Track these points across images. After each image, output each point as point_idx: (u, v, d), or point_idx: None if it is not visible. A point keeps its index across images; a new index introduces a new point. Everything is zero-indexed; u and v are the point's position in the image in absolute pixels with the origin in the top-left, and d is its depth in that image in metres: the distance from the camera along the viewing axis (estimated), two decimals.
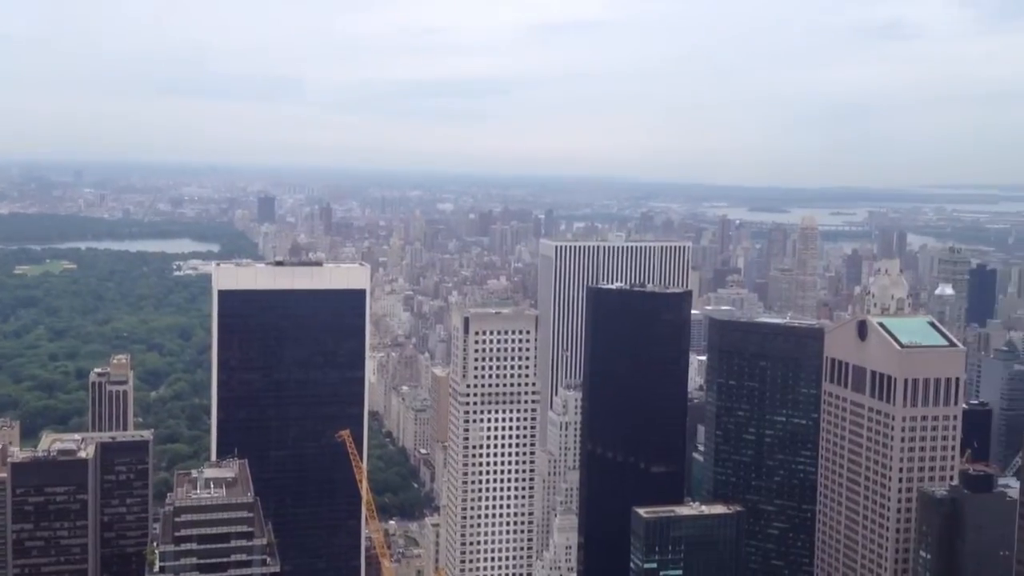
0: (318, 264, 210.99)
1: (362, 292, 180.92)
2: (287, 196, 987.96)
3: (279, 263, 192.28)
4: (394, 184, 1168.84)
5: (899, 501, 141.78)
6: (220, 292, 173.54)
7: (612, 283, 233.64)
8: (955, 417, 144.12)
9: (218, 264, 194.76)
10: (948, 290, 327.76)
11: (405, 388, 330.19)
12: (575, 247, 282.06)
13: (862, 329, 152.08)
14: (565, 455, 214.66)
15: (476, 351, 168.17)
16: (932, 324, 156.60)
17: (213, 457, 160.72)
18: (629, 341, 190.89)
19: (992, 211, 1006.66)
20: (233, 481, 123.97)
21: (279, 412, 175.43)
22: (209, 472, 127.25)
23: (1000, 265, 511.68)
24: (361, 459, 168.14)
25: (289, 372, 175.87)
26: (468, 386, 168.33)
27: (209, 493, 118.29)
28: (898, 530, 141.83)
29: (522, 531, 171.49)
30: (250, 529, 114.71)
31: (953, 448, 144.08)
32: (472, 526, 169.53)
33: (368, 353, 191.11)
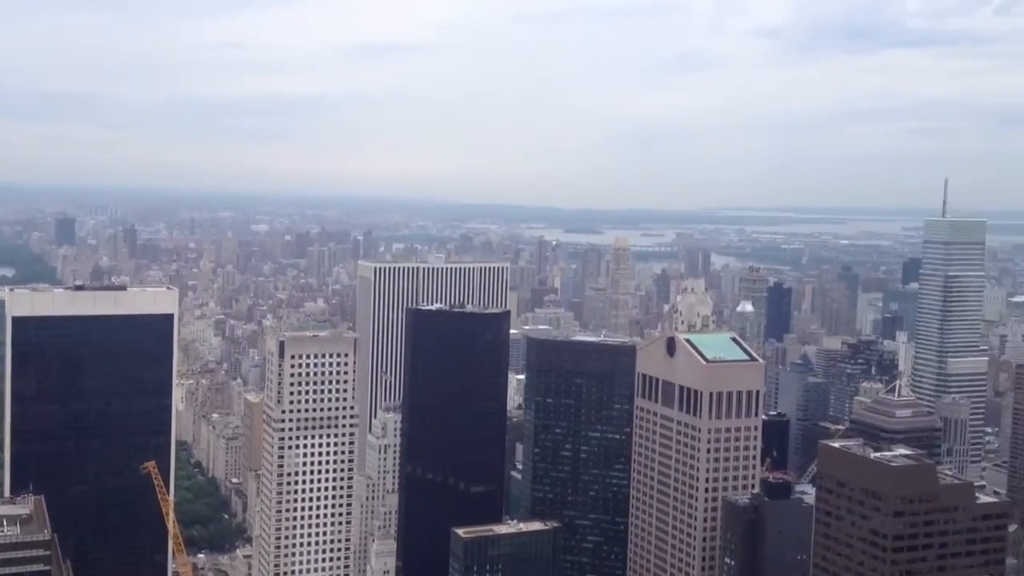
0: (122, 288, 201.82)
1: (169, 317, 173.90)
2: (88, 217, 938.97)
3: (79, 287, 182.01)
4: (205, 205, 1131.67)
5: (705, 510, 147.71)
6: (14, 319, 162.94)
7: (432, 304, 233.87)
8: (756, 428, 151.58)
9: (11, 289, 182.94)
10: (748, 307, 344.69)
11: (216, 416, 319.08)
12: (394, 268, 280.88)
13: (670, 345, 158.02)
14: (384, 478, 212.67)
15: (292, 376, 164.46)
16: (734, 340, 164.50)
17: (7, 494, 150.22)
18: (449, 362, 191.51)
19: (787, 232, 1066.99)
20: (28, 518, 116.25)
21: (79, 444, 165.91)
22: (2, 509, 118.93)
23: (795, 283, 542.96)
24: (168, 491, 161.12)
25: (90, 402, 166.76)
26: (283, 412, 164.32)
27: (2, 531, 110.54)
28: (704, 538, 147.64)
29: (338, 558, 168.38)
30: (47, 568, 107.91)
31: (754, 458, 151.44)
32: (287, 555, 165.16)
33: (176, 380, 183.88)
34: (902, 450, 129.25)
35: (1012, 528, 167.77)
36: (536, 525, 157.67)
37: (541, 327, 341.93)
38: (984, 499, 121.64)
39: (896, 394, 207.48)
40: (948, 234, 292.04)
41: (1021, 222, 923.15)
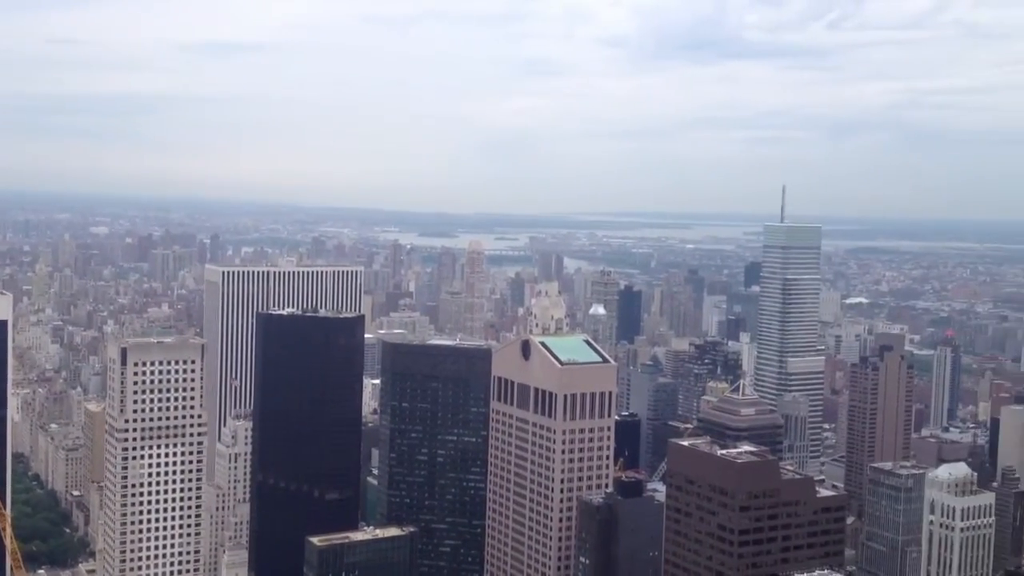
0: None
1: (3, 323, 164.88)
2: None
3: None
4: (40, 206, 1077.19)
5: (561, 511, 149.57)
6: None
7: (283, 309, 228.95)
8: (609, 428, 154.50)
9: None
10: (600, 310, 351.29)
11: (54, 426, 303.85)
12: (243, 272, 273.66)
13: (525, 349, 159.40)
14: (235, 488, 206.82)
15: (135, 383, 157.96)
16: (587, 342, 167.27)
17: None
18: (302, 367, 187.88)
19: (637, 236, 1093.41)
20: None
21: None
22: None
23: (644, 286, 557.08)
24: (5, 506, 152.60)
25: None
26: (126, 421, 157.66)
27: None
28: (560, 538, 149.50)
29: (188, 571, 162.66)
30: None
31: (608, 457, 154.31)
32: (132, 569, 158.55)
33: (11, 390, 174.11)
34: (747, 447, 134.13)
35: (850, 520, 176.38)
36: (393, 531, 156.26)
37: (396, 331, 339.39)
38: (823, 493, 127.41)
39: (740, 393, 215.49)
40: (786, 239, 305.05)
41: (854, 227, 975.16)
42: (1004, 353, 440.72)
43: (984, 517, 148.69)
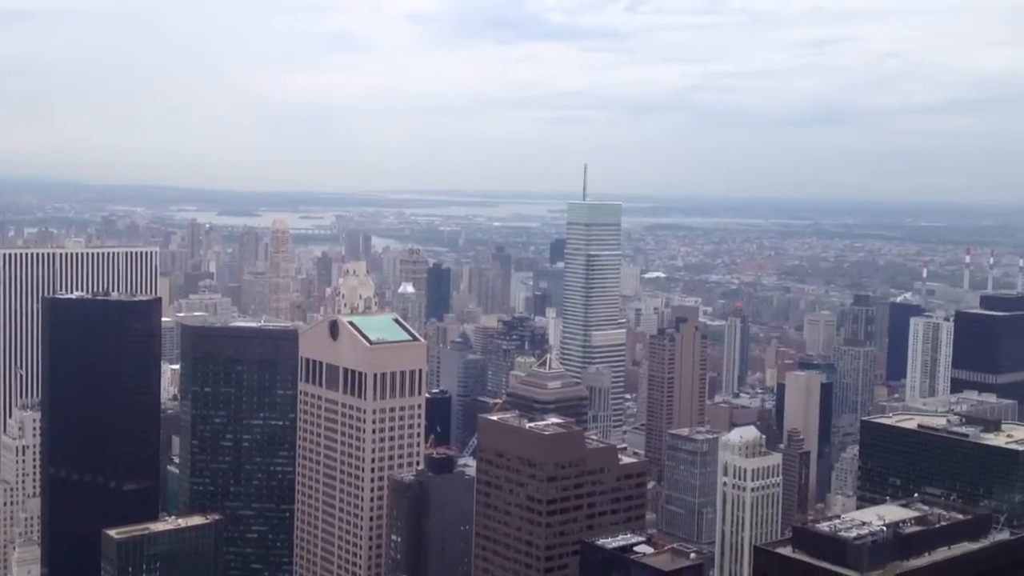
0: None
1: None
2: None
3: None
4: None
5: (372, 490, 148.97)
6: None
7: (72, 292, 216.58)
8: (420, 406, 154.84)
9: None
10: (409, 288, 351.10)
11: None
12: (26, 255, 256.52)
13: (333, 329, 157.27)
14: (24, 481, 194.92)
15: None
16: (397, 321, 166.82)
17: None
18: (94, 353, 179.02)
19: (444, 215, 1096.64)
20: None
21: None
22: None
23: (453, 264, 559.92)
24: None
25: None
26: None
27: None
28: (371, 517, 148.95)
29: None
30: None
31: (419, 435, 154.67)
32: None
33: None
34: (554, 419, 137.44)
35: (650, 485, 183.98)
36: (196, 519, 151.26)
37: (196, 314, 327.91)
38: (625, 460, 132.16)
39: (547, 367, 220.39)
40: (588, 216, 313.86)
41: (651, 205, 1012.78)
42: (788, 322, 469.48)
43: (772, 477, 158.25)
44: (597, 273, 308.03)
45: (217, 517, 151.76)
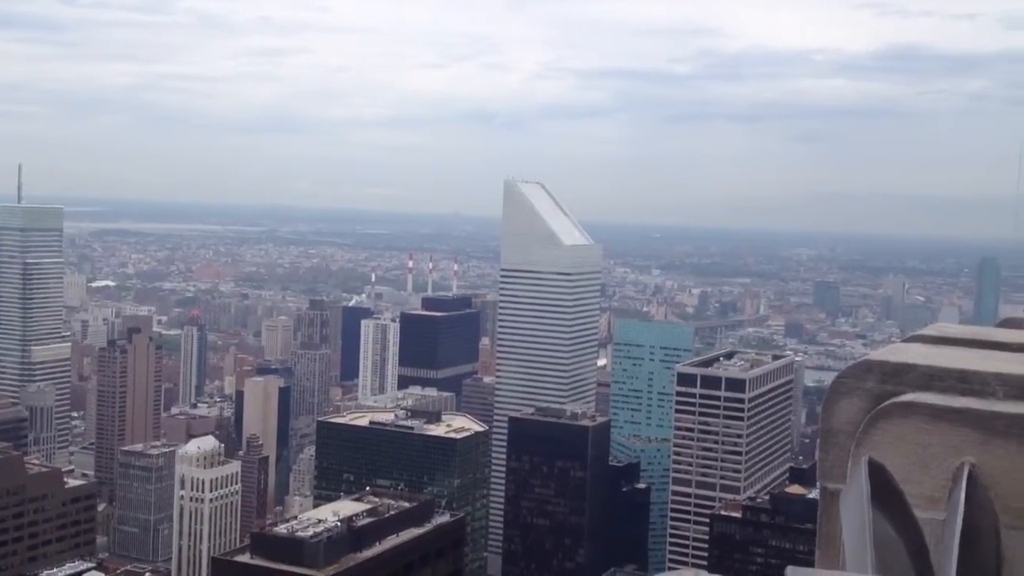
0: None
1: None
2: None
3: None
4: None
5: None
6: None
7: None
8: None
9: None
10: None
11: None
12: None
13: None
14: None
15: None
16: None
17: None
18: None
19: None
20: None
21: None
22: None
23: None
24: None
25: None
26: None
27: None
28: None
29: None
30: None
31: None
32: None
33: None
34: None
35: (102, 507, 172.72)
36: None
37: None
38: (73, 483, 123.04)
39: None
40: (24, 220, 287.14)
41: (99, 209, 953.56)
42: (246, 329, 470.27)
43: (231, 485, 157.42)
44: (36, 282, 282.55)
45: None
